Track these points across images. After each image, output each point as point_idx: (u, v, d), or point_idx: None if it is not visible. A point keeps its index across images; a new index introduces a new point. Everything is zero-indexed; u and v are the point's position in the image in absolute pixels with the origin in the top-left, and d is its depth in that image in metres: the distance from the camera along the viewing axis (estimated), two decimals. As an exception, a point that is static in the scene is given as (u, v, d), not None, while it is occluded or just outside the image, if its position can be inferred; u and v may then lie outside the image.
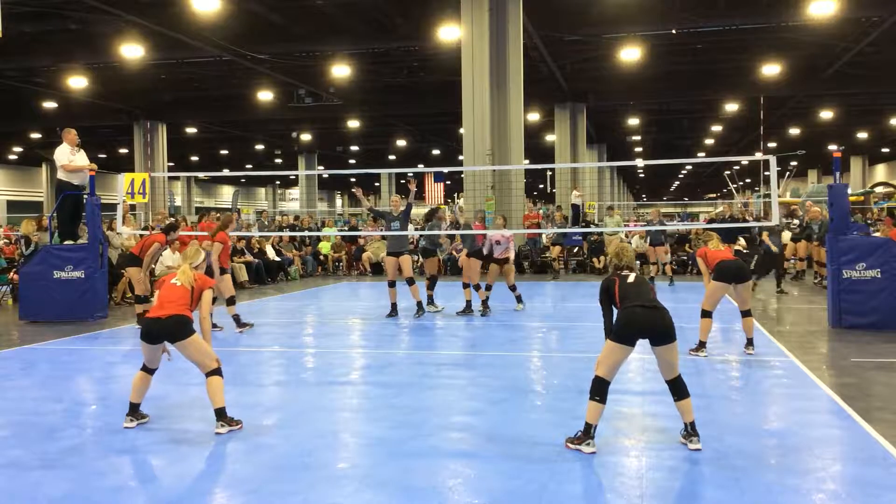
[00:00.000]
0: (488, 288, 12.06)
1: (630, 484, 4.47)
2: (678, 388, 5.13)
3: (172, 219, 10.35)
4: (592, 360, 8.22)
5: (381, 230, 21.87)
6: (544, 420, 5.89)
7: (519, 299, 12.35)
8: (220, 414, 5.60)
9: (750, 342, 8.42)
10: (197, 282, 5.93)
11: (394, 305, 11.78)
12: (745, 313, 8.39)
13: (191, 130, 38.81)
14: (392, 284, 11.85)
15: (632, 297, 5.13)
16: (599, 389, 5.02)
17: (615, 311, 5.22)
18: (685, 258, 19.73)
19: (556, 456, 4.96)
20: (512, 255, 12.25)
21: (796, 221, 17.15)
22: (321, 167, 51.18)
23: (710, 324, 8.37)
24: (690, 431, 5.09)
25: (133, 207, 21.64)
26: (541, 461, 4.85)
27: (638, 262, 19.61)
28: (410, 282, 11.65)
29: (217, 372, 5.66)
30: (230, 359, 8.66)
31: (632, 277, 5.30)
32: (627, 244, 5.74)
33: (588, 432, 5.02)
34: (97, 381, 7.88)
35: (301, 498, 4.32)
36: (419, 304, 11.69)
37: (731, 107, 33.52)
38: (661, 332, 5.03)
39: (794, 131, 41.54)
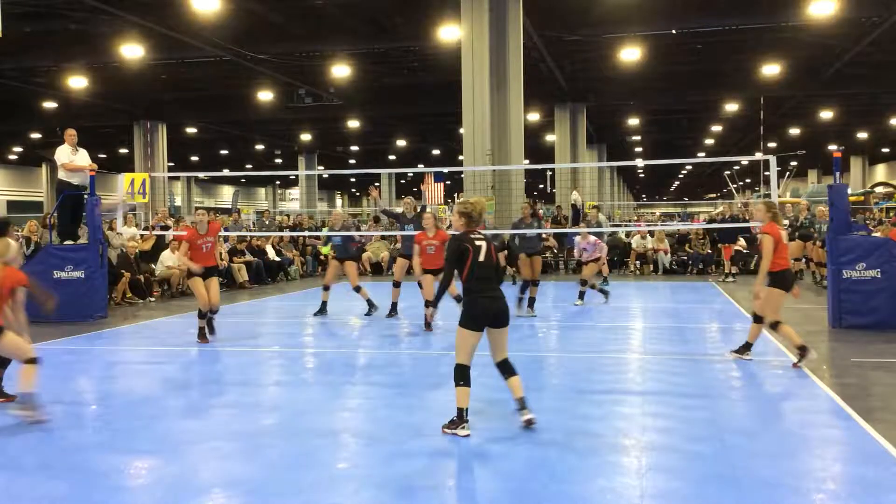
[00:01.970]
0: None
1: (630, 484, 4.47)
2: (508, 368, 5.65)
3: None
4: (592, 360, 8.26)
5: (382, 230, 21.91)
6: (544, 420, 5.88)
7: (581, 296, 13.05)
8: (25, 398, 5.77)
9: (748, 347, 8.05)
10: (7, 280, 5.87)
11: (394, 305, 11.80)
12: (758, 318, 7.94)
13: (191, 130, 38.81)
14: (397, 285, 11.85)
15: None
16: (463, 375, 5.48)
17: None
18: (685, 258, 19.73)
19: (556, 456, 4.97)
20: (600, 255, 13.18)
21: (786, 222, 17.16)
22: (321, 167, 51.19)
23: (761, 330, 7.92)
24: (521, 405, 5.53)
25: (133, 207, 21.63)
26: (541, 461, 4.85)
27: (638, 262, 19.65)
28: (397, 284, 11.70)
29: (34, 361, 5.86)
30: (229, 359, 8.67)
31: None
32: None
33: (462, 416, 5.40)
34: (97, 381, 7.88)
35: (301, 498, 4.32)
36: (394, 304, 11.78)
37: (731, 107, 33.52)
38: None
39: (794, 131, 41.53)
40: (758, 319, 7.89)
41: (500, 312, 5.50)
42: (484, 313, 5.46)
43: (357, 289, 11.88)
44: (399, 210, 12.71)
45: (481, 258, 5.47)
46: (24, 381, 5.83)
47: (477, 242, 5.51)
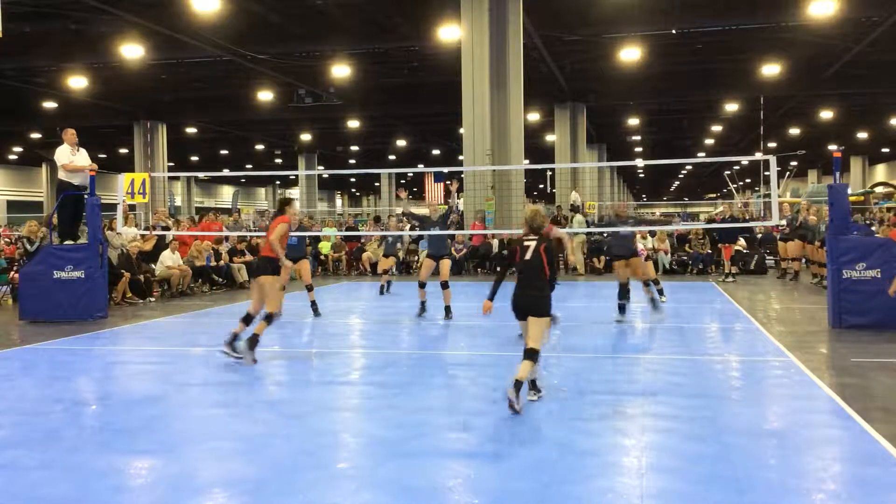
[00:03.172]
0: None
1: (630, 484, 4.47)
2: (525, 353, 6.11)
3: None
4: (593, 360, 8.25)
5: (382, 231, 21.91)
6: (544, 420, 5.88)
7: (660, 292, 12.71)
8: None
9: None
10: None
11: (423, 304, 11.71)
12: None
13: (191, 130, 38.81)
14: (422, 285, 11.79)
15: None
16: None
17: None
18: (685, 258, 19.73)
19: (556, 456, 4.96)
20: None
21: (783, 222, 17.17)
22: (321, 167, 51.20)
23: None
24: (516, 386, 5.88)
25: (133, 207, 21.63)
26: (541, 461, 4.85)
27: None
28: (445, 285, 11.54)
29: None
30: (229, 359, 8.66)
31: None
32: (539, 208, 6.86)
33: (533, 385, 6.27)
34: (97, 381, 7.87)
35: (301, 498, 4.32)
36: (448, 308, 11.56)
37: (731, 107, 33.52)
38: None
39: (794, 131, 41.54)
40: None
41: (521, 305, 6.19)
42: (513, 304, 6.27)
43: (309, 287, 12.03)
44: (424, 212, 12.68)
45: (527, 256, 6.24)
46: None
47: (526, 243, 6.32)
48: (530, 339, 6.09)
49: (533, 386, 6.32)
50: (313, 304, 12.03)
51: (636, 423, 5.74)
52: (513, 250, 6.45)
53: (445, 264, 11.73)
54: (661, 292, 13.09)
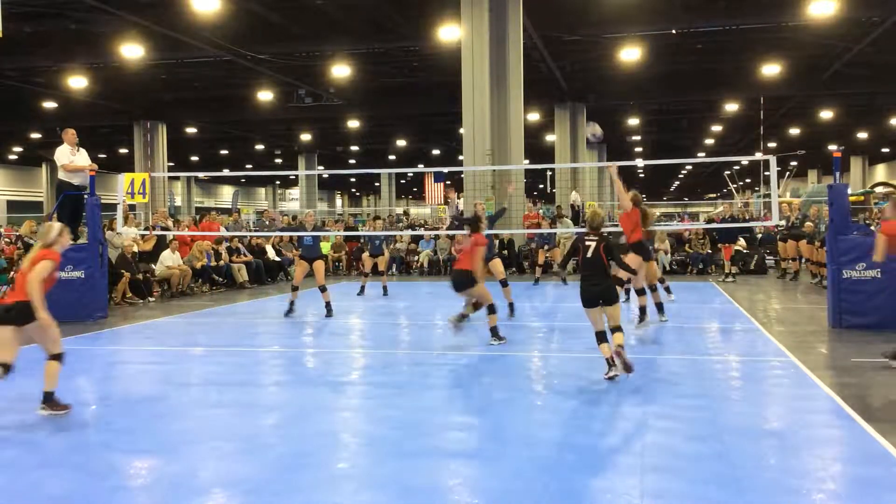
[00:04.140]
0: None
1: (630, 483, 4.47)
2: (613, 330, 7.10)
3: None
4: (592, 360, 8.24)
5: (383, 230, 21.88)
6: (544, 420, 5.88)
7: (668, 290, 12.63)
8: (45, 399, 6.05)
9: None
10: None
11: (511, 305, 11.31)
12: None
13: (191, 130, 38.80)
14: (505, 284, 11.59)
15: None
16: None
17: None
18: (684, 258, 19.73)
19: (556, 456, 4.97)
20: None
21: (782, 223, 17.17)
22: (321, 167, 51.20)
23: None
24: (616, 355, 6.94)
25: (133, 207, 21.63)
26: (541, 461, 4.85)
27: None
28: (504, 283, 11.42)
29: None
30: (229, 359, 8.67)
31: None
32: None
33: (609, 363, 7.07)
34: (97, 381, 7.88)
35: (301, 498, 4.32)
36: (511, 305, 11.30)
37: (731, 107, 33.51)
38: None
39: (794, 131, 41.53)
40: None
41: (594, 295, 7.17)
42: (583, 295, 7.22)
43: (322, 289, 11.91)
44: (474, 213, 12.40)
45: (589, 255, 7.22)
46: (49, 377, 6.13)
47: (587, 242, 7.27)
48: (612, 319, 7.13)
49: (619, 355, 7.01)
50: (328, 304, 11.93)
51: (636, 423, 5.74)
52: (576, 247, 7.58)
53: (497, 264, 11.67)
54: (668, 290, 13.17)
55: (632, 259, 9.61)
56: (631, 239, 9.86)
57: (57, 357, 6.00)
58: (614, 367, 6.96)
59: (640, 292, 10.12)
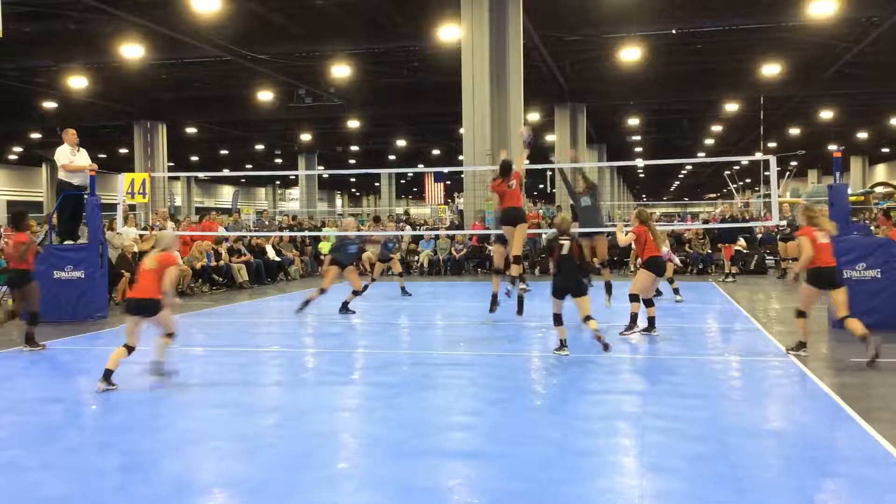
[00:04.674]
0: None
1: (630, 484, 4.47)
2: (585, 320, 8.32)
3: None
4: (592, 360, 8.25)
5: (382, 230, 21.88)
6: (544, 420, 5.88)
7: (676, 291, 13.44)
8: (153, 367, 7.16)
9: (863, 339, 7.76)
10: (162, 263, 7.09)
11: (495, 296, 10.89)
12: (843, 319, 8.02)
13: (191, 130, 38.80)
14: (498, 272, 11.00)
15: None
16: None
17: None
18: (684, 258, 19.73)
19: (556, 456, 4.97)
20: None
21: (783, 223, 17.17)
22: (321, 167, 51.19)
23: (805, 323, 8.31)
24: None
25: (133, 207, 21.63)
26: (541, 461, 4.85)
27: (638, 261, 19.61)
28: (516, 260, 10.57)
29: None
30: (229, 359, 8.67)
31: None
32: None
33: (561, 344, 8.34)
34: (97, 381, 7.86)
35: (301, 498, 4.32)
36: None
37: (731, 107, 33.50)
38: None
39: (794, 131, 41.53)
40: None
41: (565, 289, 8.26)
42: (555, 287, 8.31)
43: (363, 289, 12.19)
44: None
45: (564, 252, 8.29)
46: (159, 351, 7.18)
47: (561, 242, 8.31)
48: (582, 310, 8.28)
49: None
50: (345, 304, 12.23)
51: (636, 423, 5.74)
52: (551, 246, 8.47)
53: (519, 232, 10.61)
54: (676, 291, 13.46)
55: (644, 277, 9.47)
56: (644, 256, 9.58)
57: (170, 335, 7.24)
58: (566, 348, 8.22)
59: (649, 303, 9.83)
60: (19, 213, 9.61)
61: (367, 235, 13.12)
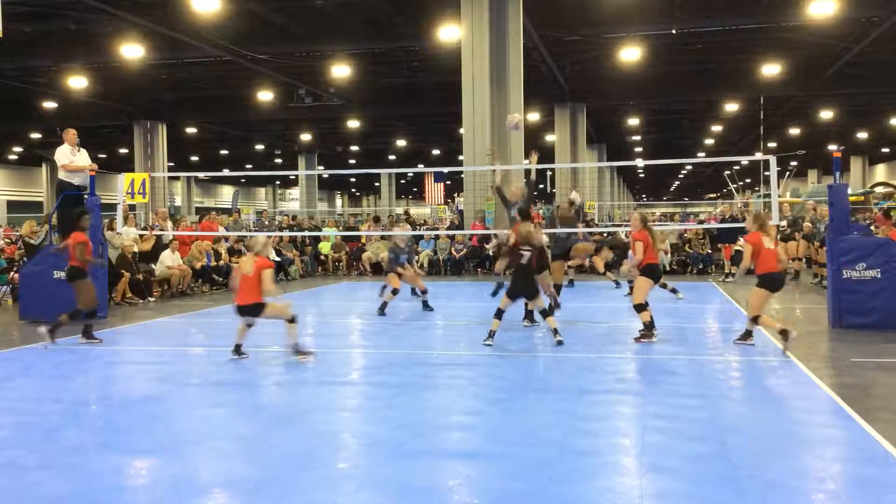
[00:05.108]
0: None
1: (630, 484, 4.47)
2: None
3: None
4: (592, 360, 8.25)
5: (382, 230, 21.90)
6: (544, 420, 5.88)
7: (674, 291, 13.47)
8: (298, 346, 8.00)
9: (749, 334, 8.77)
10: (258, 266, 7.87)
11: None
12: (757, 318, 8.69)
13: (191, 130, 38.82)
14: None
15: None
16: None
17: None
18: (684, 258, 19.73)
19: (556, 456, 4.96)
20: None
21: (784, 223, 17.16)
22: (321, 167, 51.20)
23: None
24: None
25: (133, 207, 21.63)
26: (541, 461, 4.85)
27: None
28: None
29: (293, 320, 8.03)
30: (227, 359, 8.67)
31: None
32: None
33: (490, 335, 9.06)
34: (97, 381, 7.86)
35: (301, 498, 4.32)
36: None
37: (731, 107, 33.52)
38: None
39: (794, 131, 41.55)
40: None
41: (519, 293, 9.00)
42: (512, 289, 8.96)
43: (424, 291, 12.38)
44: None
45: (523, 262, 8.93)
46: (291, 335, 7.97)
47: (522, 252, 8.92)
48: (536, 306, 9.21)
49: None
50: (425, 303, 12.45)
51: (636, 423, 5.74)
52: (511, 253, 9.10)
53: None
54: (673, 291, 13.50)
55: (644, 284, 9.34)
56: (643, 262, 9.39)
57: (292, 320, 7.94)
58: (492, 339, 8.85)
59: (639, 308, 9.55)
60: (77, 213, 9.94)
61: (398, 237, 12.90)
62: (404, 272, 12.19)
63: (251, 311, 7.85)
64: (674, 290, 13.57)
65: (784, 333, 8.20)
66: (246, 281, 7.82)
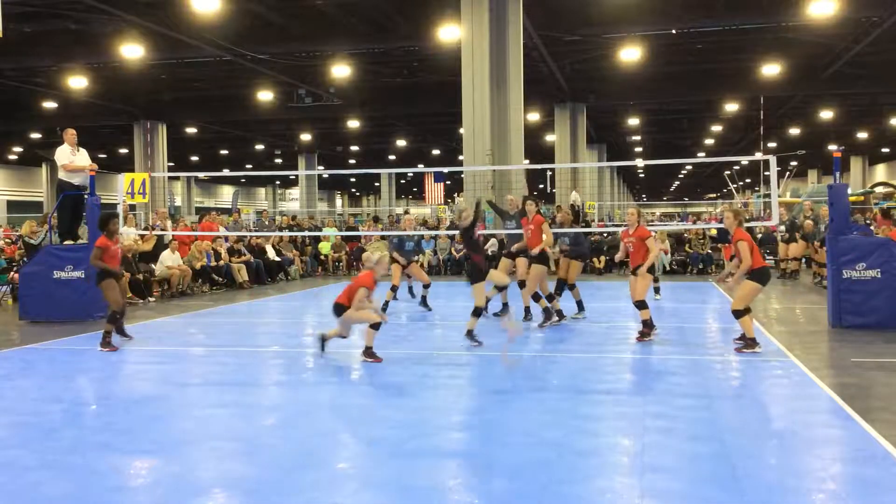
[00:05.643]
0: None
1: (630, 484, 4.47)
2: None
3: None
4: (593, 360, 8.26)
5: (381, 230, 21.90)
6: (544, 420, 5.88)
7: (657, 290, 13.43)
8: (365, 350, 8.22)
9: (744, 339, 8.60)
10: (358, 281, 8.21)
11: (505, 304, 10.94)
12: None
13: (191, 130, 38.81)
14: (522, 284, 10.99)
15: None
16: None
17: None
18: (684, 258, 19.73)
19: (556, 456, 4.97)
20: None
21: (782, 227, 17.20)
22: (321, 167, 51.20)
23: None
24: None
25: (133, 207, 21.63)
26: (541, 461, 4.85)
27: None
28: (521, 285, 10.83)
29: (376, 326, 8.24)
30: (229, 359, 8.67)
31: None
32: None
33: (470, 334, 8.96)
34: (97, 381, 7.87)
35: (301, 498, 4.32)
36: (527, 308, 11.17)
37: (731, 107, 33.51)
38: None
39: (794, 131, 41.54)
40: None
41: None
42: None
43: (426, 285, 12.39)
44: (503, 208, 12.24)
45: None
46: (368, 339, 8.24)
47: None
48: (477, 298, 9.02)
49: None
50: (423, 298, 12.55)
51: (636, 423, 5.74)
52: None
53: (521, 263, 10.85)
54: (657, 290, 13.34)
55: (645, 282, 9.27)
56: (644, 261, 9.31)
57: (374, 326, 8.18)
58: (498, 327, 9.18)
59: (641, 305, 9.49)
60: (104, 217, 9.73)
61: (407, 219, 13.30)
62: (408, 267, 12.20)
63: (335, 309, 8.27)
64: (657, 290, 13.47)
65: (752, 343, 8.27)
66: (347, 287, 8.36)
